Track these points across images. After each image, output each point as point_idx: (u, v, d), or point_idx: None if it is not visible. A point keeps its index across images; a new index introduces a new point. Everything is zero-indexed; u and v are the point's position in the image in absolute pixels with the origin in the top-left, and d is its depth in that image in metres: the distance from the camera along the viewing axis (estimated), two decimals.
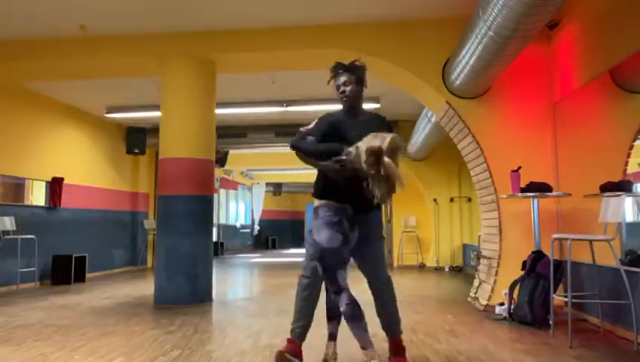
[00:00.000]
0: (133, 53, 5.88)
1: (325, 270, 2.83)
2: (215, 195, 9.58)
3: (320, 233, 2.87)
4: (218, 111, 6.33)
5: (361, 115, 3.09)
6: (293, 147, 3.01)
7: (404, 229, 10.64)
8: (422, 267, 10.35)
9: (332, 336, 3.18)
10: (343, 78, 3.06)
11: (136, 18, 5.41)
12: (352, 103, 3.05)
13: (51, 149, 8.12)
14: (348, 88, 3.03)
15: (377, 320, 3.02)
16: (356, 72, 3.05)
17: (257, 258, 14.36)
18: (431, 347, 3.58)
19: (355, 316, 2.72)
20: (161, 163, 5.87)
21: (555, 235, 4.09)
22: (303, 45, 5.65)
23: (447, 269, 9.86)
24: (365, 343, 2.71)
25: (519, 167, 4.70)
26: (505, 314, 4.59)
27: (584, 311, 4.48)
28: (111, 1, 5.01)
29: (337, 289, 2.78)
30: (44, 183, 8.02)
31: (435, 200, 10.16)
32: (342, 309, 2.77)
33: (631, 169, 5.07)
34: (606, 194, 4.03)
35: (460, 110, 5.30)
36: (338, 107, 3.14)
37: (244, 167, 15.71)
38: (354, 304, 2.74)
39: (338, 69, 3.09)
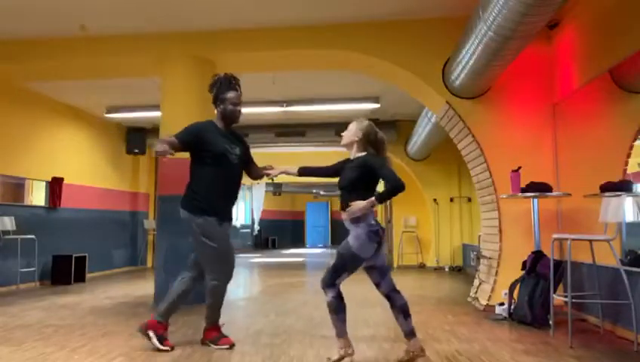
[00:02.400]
0: (133, 53, 5.88)
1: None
2: None
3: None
4: None
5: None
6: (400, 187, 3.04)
7: (404, 229, 10.63)
8: (422, 267, 10.35)
9: None
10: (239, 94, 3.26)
11: (136, 18, 5.41)
12: None
13: (51, 149, 8.12)
14: None
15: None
16: None
17: (257, 258, 14.35)
18: (431, 347, 3.57)
19: (340, 308, 3.08)
20: (161, 163, 5.87)
21: (555, 235, 4.09)
22: (303, 45, 5.65)
23: (447, 269, 9.86)
24: (341, 332, 3.08)
25: (519, 167, 4.70)
26: (505, 314, 4.59)
27: (584, 311, 4.48)
28: (111, 1, 5.01)
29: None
30: (44, 183, 8.01)
31: (435, 200, 10.15)
32: (328, 301, 3.09)
33: (631, 169, 5.08)
34: (606, 194, 4.03)
35: (460, 110, 5.29)
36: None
37: None
38: (340, 297, 3.08)
39: (236, 83, 3.24)
